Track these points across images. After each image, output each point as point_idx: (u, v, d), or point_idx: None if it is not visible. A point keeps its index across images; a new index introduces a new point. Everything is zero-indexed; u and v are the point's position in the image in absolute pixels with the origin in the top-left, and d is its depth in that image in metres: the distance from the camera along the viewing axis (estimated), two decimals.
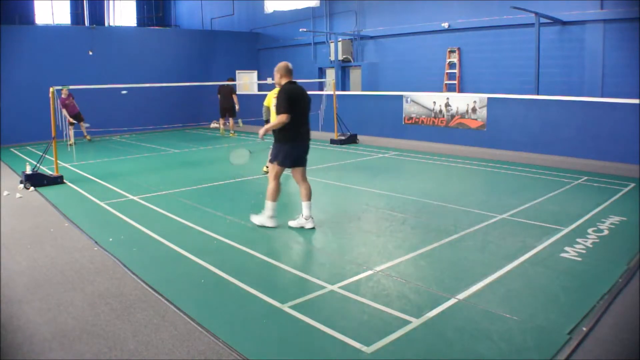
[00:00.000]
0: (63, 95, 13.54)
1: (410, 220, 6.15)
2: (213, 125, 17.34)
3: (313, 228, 5.71)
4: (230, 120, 15.45)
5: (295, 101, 5.50)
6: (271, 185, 5.71)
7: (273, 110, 7.38)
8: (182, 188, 8.09)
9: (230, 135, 15.47)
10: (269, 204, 5.75)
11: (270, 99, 8.00)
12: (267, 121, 8.15)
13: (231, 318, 3.65)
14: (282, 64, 5.72)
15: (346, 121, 13.38)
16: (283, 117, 5.42)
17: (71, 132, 13.72)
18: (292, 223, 5.81)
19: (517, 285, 4.13)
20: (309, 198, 5.72)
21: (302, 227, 5.74)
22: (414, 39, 15.26)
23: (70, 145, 13.06)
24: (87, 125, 14.46)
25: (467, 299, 3.85)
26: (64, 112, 13.70)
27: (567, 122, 10.17)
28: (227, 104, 15.09)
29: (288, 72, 5.68)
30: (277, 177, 5.73)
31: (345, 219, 6.29)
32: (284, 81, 5.68)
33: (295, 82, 5.70)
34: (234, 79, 15.33)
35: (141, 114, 16.86)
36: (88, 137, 14.89)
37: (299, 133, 5.64)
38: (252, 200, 7.19)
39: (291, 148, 5.63)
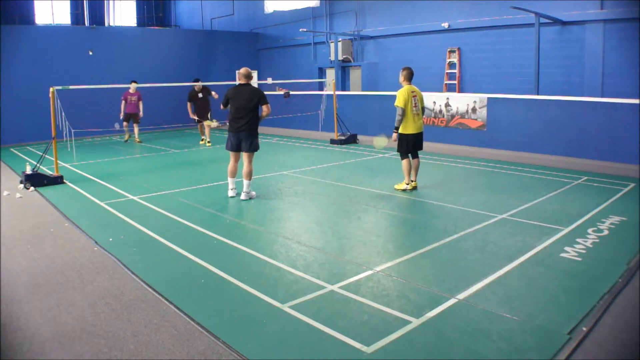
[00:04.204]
0: (131, 90, 13.78)
1: (410, 220, 6.15)
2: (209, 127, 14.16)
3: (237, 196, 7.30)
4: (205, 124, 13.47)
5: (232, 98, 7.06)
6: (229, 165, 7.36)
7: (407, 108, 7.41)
8: (182, 188, 8.09)
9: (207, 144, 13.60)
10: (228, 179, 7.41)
11: (401, 99, 7.42)
12: (400, 121, 7.48)
13: (231, 318, 3.65)
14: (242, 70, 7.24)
15: (346, 121, 13.39)
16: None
17: (126, 128, 14.46)
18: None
19: (517, 285, 4.13)
20: (247, 178, 7.16)
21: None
22: (414, 39, 15.24)
23: (125, 141, 14.62)
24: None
25: (467, 299, 3.85)
26: (122, 105, 14.00)
27: (567, 122, 10.16)
28: (207, 107, 13.24)
29: (241, 76, 7.16)
30: (231, 158, 7.28)
31: (345, 219, 6.30)
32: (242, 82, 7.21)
33: (246, 84, 7.13)
34: (199, 79, 13.71)
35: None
36: (138, 140, 14.55)
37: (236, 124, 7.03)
38: (252, 200, 7.20)
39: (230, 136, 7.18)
